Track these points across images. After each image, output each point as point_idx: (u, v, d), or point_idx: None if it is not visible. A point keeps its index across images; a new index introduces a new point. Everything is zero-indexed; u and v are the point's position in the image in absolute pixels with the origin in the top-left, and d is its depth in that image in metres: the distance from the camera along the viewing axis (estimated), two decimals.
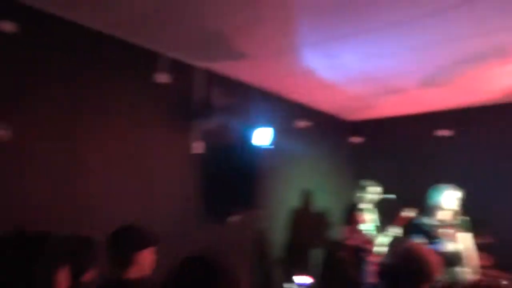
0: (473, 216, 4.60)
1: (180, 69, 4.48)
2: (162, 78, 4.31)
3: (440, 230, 4.54)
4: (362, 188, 5.51)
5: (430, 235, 4.57)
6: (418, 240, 4.60)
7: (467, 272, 4.46)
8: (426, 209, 4.65)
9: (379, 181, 5.53)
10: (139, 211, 4.01)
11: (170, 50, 4.30)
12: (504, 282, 4.50)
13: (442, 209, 4.55)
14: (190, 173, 4.56)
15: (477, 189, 4.70)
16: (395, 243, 5.17)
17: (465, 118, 5.93)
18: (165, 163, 4.37)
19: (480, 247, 4.75)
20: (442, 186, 4.64)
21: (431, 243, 4.52)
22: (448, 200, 4.54)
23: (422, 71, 4.78)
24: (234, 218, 4.75)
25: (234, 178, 4.68)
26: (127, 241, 2.41)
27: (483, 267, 4.67)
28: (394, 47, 4.14)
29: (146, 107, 4.25)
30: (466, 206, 4.56)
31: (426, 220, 4.65)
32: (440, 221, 4.56)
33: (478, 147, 5.79)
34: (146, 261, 2.41)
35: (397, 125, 6.49)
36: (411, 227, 4.75)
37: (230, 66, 4.74)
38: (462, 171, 5.64)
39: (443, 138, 6.10)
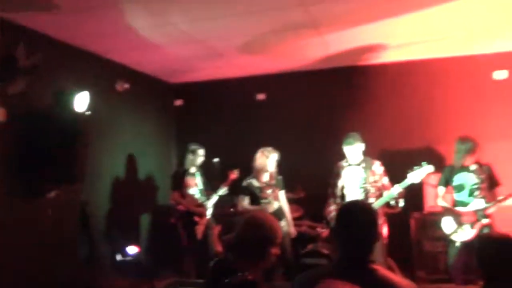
0: (285, 174, 5.03)
1: None
2: None
3: (267, 191, 4.87)
4: (188, 152, 5.48)
5: (258, 195, 4.88)
6: (246, 201, 4.88)
7: (287, 225, 4.93)
8: (252, 170, 4.91)
9: (204, 144, 5.56)
10: None
11: None
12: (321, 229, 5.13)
13: (265, 170, 4.86)
14: None
15: (289, 149, 5.09)
16: (235, 216, 5.37)
17: (280, 83, 6.34)
18: None
19: (292, 201, 5.28)
20: (265, 148, 4.93)
21: (259, 203, 4.84)
22: (270, 162, 4.86)
23: (242, 37, 4.90)
24: (52, 193, 4.26)
25: (47, 149, 4.14)
26: None
27: (295, 218, 5.21)
28: (218, 12, 4.12)
29: None
30: (281, 165, 4.96)
31: (253, 182, 4.93)
32: (265, 182, 4.89)
33: (291, 111, 6.26)
34: None
35: (219, 88, 6.59)
36: (241, 189, 4.97)
37: (38, 19, 4.09)
38: (277, 133, 6.07)
39: (261, 101, 6.44)
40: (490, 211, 4.19)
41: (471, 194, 4.34)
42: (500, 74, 5.48)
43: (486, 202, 4.18)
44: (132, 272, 5.27)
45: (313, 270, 2.03)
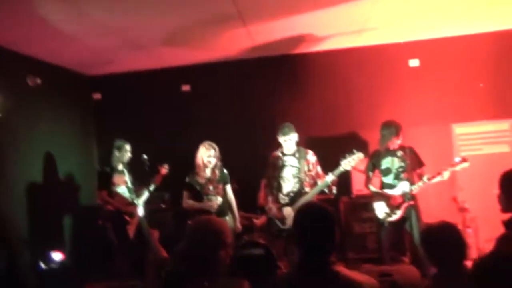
0: (227, 166, 4.97)
1: None
2: None
3: (209, 187, 4.78)
4: (114, 148, 5.18)
5: (201, 192, 4.78)
6: (190, 198, 4.79)
7: (232, 220, 4.89)
8: (193, 167, 4.80)
9: (129, 139, 5.27)
10: None
11: None
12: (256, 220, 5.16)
13: (206, 165, 4.76)
14: None
15: (218, 140, 5.00)
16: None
17: (206, 74, 6.20)
18: None
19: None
20: (204, 143, 4.82)
21: (202, 199, 4.74)
22: (209, 156, 4.76)
23: (165, 28, 4.73)
24: None
25: None
26: None
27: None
28: (137, 2, 3.93)
29: None
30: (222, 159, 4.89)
31: (195, 178, 4.82)
32: (207, 178, 4.79)
33: (218, 102, 6.17)
34: None
35: (141, 80, 6.30)
36: (184, 185, 4.86)
37: None
38: (205, 125, 5.98)
39: (187, 93, 6.27)
40: (415, 191, 4.44)
41: (396, 177, 4.58)
42: (414, 62, 5.82)
43: (411, 184, 4.43)
44: (59, 280, 4.93)
45: (273, 279, 2.00)
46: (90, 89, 6.43)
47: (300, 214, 2.09)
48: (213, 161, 4.79)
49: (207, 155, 4.76)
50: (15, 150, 4.87)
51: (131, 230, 5.12)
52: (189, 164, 5.24)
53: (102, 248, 5.38)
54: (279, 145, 4.71)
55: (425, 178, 4.39)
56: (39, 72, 5.23)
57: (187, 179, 4.87)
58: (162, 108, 6.23)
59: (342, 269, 1.91)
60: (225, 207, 4.80)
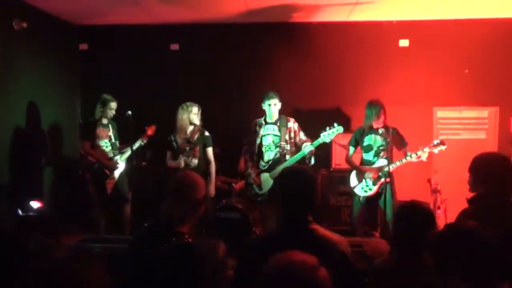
0: (211, 130, 4.99)
1: None
2: None
3: (186, 148, 4.82)
4: (99, 102, 5.14)
5: (177, 151, 4.84)
6: (171, 157, 4.88)
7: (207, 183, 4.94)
8: (175, 125, 4.84)
9: (113, 94, 5.22)
10: None
11: None
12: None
13: (185, 126, 4.79)
14: None
15: (203, 103, 5.02)
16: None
17: (195, 35, 6.11)
18: None
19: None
20: (184, 103, 4.82)
21: (178, 158, 4.79)
22: (189, 116, 4.79)
23: None
24: None
25: None
26: None
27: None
28: None
29: None
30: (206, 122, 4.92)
31: (175, 137, 4.87)
32: (185, 138, 4.82)
33: (206, 64, 6.10)
34: None
35: (130, 34, 6.14)
36: (166, 145, 4.93)
37: None
38: (192, 86, 5.94)
39: (175, 52, 6.18)
40: (392, 169, 4.57)
41: (376, 154, 4.70)
42: (404, 42, 5.86)
43: (389, 162, 4.56)
44: (36, 228, 4.96)
45: (257, 238, 2.10)
46: (77, 39, 6.27)
47: (284, 173, 2.22)
48: (194, 120, 4.81)
49: (187, 115, 4.79)
50: None
51: (109, 185, 5.13)
52: (171, 124, 5.24)
53: (80, 199, 5.42)
54: (263, 113, 4.76)
55: (408, 156, 4.52)
56: (26, 17, 5.07)
57: (168, 138, 4.92)
58: (149, 65, 6.12)
59: (318, 227, 2.03)
60: (200, 170, 4.72)
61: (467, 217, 2.44)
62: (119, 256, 2.36)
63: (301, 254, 1.32)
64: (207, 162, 4.92)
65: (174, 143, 4.88)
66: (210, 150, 4.94)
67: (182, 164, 4.77)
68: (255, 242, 2.22)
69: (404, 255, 2.13)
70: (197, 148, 4.85)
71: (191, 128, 4.85)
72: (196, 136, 4.86)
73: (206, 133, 4.94)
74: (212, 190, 4.90)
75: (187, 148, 4.83)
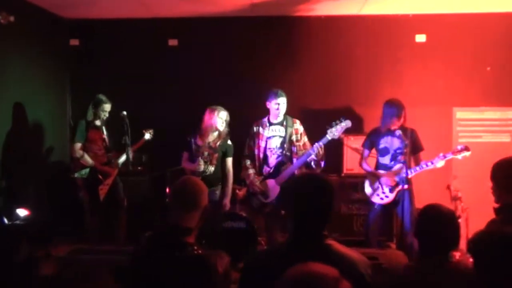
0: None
1: None
2: None
3: (204, 152, 4.44)
4: (92, 103, 4.83)
5: (194, 154, 4.49)
6: (188, 159, 4.58)
7: (221, 194, 4.57)
8: (197, 128, 4.52)
9: (107, 93, 4.91)
10: None
11: None
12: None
13: (211, 130, 4.44)
14: None
15: (203, 102, 4.64)
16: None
17: (195, 29, 5.72)
18: None
19: None
20: (213, 107, 4.45)
21: (194, 161, 4.45)
22: (216, 122, 4.43)
23: None
24: None
25: None
26: None
27: None
28: None
29: None
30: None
31: (195, 139, 4.52)
32: (206, 142, 4.46)
33: (207, 60, 5.73)
34: None
35: (125, 29, 5.74)
36: (184, 146, 4.60)
37: None
38: (192, 85, 5.61)
39: (174, 47, 5.80)
40: (411, 175, 4.21)
41: (394, 158, 4.35)
42: (421, 38, 5.51)
43: (408, 167, 4.18)
44: (22, 238, 4.61)
45: (262, 252, 2.06)
46: (67, 34, 5.88)
47: (298, 180, 2.09)
48: (219, 126, 4.46)
49: (220, 121, 4.43)
50: None
51: (103, 191, 4.82)
52: (170, 125, 4.94)
53: (71, 206, 5.11)
54: (265, 113, 4.46)
55: (430, 163, 4.17)
56: (13, 10, 4.70)
57: (188, 138, 4.56)
58: (146, 62, 5.73)
59: (334, 242, 1.84)
60: (214, 178, 4.44)
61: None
62: (126, 266, 2.21)
63: (322, 266, 1.23)
64: (224, 172, 4.56)
65: (193, 145, 4.50)
66: (229, 161, 4.58)
67: (202, 168, 4.41)
68: (260, 257, 2.02)
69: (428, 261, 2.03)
70: (216, 155, 4.48)
71: (215, 133, 4.47)
72: (218, 143, 4.48)
73: (229, 142, 4.58)
74: (227, 204, 4.55)
75: (206, 152, 4.45)
